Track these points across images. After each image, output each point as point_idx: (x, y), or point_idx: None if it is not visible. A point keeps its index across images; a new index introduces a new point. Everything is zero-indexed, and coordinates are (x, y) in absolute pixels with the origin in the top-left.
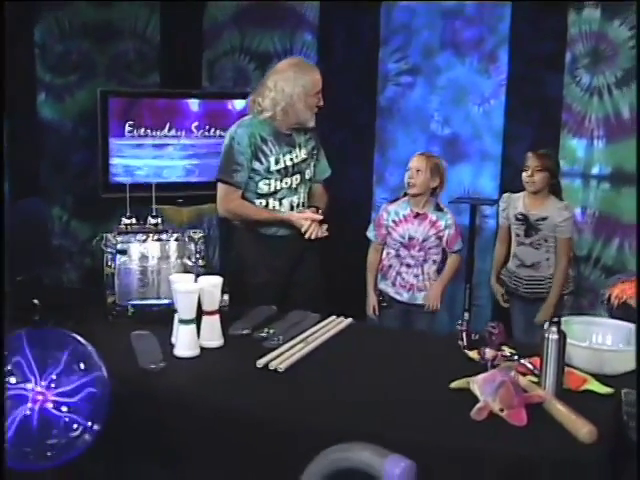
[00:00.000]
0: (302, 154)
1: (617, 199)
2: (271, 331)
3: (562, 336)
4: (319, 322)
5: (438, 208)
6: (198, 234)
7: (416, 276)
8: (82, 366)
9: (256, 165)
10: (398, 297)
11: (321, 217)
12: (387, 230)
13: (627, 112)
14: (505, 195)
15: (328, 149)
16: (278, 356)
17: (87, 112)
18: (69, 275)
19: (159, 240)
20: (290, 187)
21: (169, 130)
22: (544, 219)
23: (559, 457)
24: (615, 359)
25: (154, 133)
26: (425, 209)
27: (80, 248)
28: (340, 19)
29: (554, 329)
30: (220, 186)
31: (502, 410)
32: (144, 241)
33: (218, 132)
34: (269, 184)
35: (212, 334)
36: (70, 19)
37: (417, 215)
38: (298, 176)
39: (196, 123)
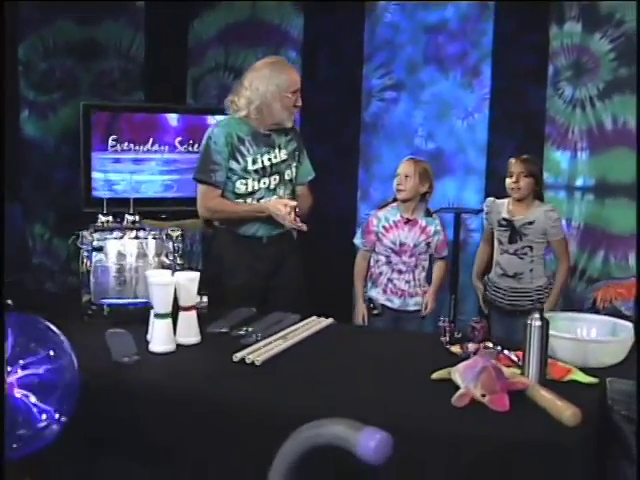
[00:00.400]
0: (282, 155)
1: (602, 210)
2: (249, 329)
3: (545, 323)
4: (299, 322)
5: (428, 214)
6: (176, 232)
7: (407, 282)
8: (51, 353)
9: (233, 165)
10: (389, 304)
11: (295, 203)
12: (377, 236)
13: (610, 123)
14: (489, 199)
15: (312, 165)
16: (255, 351)
17: (70, 129)
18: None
19: (136, 238)
20: (268, 187)
21: (152, 145)
22: (530, 223)
23: (543, 440)
24: (600, 350)
25: (137, 148)
26: (415, 215)
27: (62, 267)
28: (324, 36)
29: (537, 316)
30: (199, 186)
31: (484, 396)
32: (121, 238)
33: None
34: (246, 184)
35: (189, 330)
36: (54, 37)
37: (407, 221)
38: (277, 176)
39: (179, 138)
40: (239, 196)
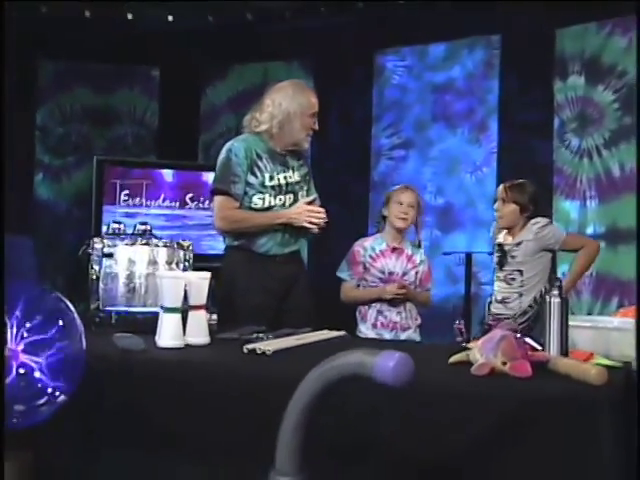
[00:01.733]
0: (295, 176)
1: (614, 258)
2: (260, 335)
3: (564, 299)
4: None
5: (413, 243)
6: (187, 242)
7: (399, 313)
8: (59, 328)
9: (251, 179)
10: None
11: (312, 198)
12: (364, 267)
13: (617, 171)
14: (494, 224)
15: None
16: (267, 345)
17: (82, 193)
18: None
19: (147, 245)
20: (284, 205)
21: (163, 201)
22: (518, 245)
23: (569, 397)
24: (623, 340)
25: (148, 203)
26: (402, 244)
27: None
28: (333, 99)
29: (555, 292)
30: (217, 198)
31: (505, 364)
32: (132, 245)
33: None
34: (263, 198)
35: (198, 330)
36: (71, 103)
37: (394, 249)
38: (291, 196)
39: (190, 195)
40: (256, 211)
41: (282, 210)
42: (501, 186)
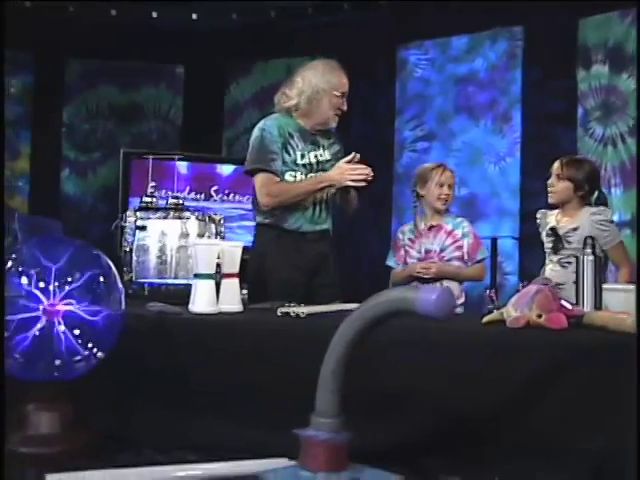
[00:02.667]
0: (326, 155)
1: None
2: (292, 303)
3: (597, 257)
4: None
5: (452, 216)
6: (219, 216)
7: None
8: (101, 286)
9: (285, 156)
10: None
11: (351, 157)
12: (405, 250)
13: None
14: (540, 211)
15: (345, 216)
16: (300, 309)
17: (107, 188)
18: None
19: (179, 218)
20: None
21: (188, 193)
22: (574, 230)
23: (606, 344)
24: None
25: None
26: (440, 220)
27: None
28: (356, 94)
29: (589, 250)
30: (258, 177)
31: (540, 316)
32: (164, 218)
33: (237, 197)
34: (295, 176)
35: (231, 298)
36: (97, 100)
37: (431, 227)
38: (322, 174)
39: (215, 187)
40: None
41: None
42: (557, 161)
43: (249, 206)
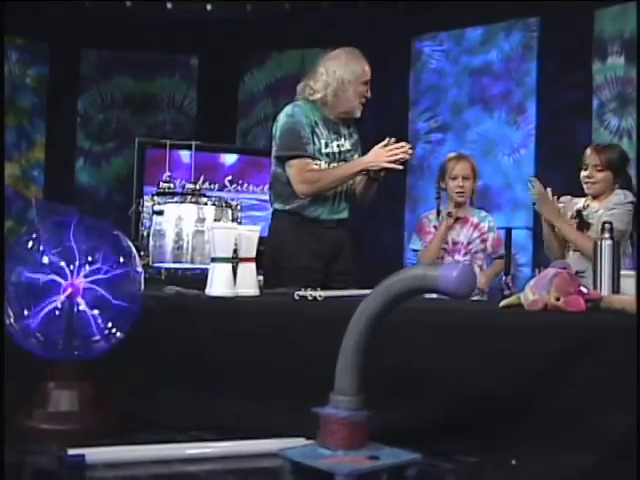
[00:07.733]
0: (347, 144)
1: None
2: (309, 289)
3: (615, 242)
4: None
5: (476, 209)
6: (235, 202)
7: None
8: (121, 260)
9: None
10: None
11: (386, 141)
12: (433, 235)
13: None
14: (565, 197)
15: (359, 208)
16: (318, 292)
17: (122, 178)
18: None
19: (196, 203)
20: None
21: (203, 183)
22: (596, 212)
23: (625, 326)
24: None
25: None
26: (465, 212)
27: None
28: (371, 85)
29: (607, 236)
30: (293, 164)
31: (558, 299)
32: (181, 203)
33: (251, 187)
34: (319, 165)
35: (249, 282)
36: (112, 91)
37: (457, 219)
38: (343, 164)
39: (229, 177)
40: None
41: None
42: (589, 150)
43: (256, 196)
